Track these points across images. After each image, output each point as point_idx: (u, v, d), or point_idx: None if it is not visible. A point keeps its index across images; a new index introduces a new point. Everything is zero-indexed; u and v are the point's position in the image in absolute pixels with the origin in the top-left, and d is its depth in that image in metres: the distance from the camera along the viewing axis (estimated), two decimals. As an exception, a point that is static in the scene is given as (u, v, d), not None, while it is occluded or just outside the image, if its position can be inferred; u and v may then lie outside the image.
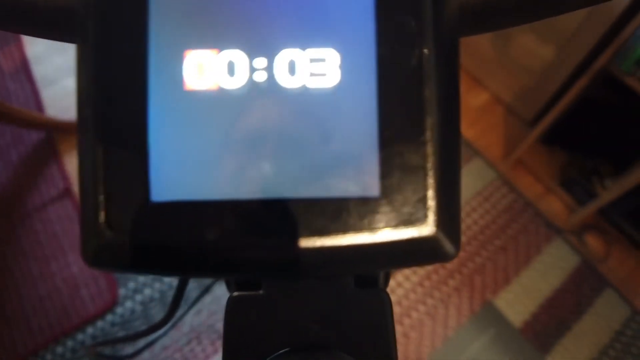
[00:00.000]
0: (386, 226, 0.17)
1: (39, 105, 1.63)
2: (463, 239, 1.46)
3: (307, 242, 0.16)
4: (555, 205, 1.54)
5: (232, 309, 0.25)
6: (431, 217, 0.17)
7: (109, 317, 1.29)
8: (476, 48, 1.66)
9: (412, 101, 0.17)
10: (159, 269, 0.17)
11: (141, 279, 1.34)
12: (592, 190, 1.42)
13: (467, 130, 1.68)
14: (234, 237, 0.17)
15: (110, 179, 0.17)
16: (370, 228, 0.17)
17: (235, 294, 0.25)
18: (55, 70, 1.70)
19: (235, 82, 0.17)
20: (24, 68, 1.71)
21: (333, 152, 0.16)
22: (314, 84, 0.17)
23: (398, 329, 1.31)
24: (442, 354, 1.29)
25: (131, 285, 1.33)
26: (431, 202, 0.17)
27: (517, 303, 1.38)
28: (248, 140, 0.17)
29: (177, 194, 0.16)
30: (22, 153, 1.53)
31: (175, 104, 0.16)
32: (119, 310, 1.30)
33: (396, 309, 1.34)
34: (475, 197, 1.54)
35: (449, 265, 1.41)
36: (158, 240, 0.17)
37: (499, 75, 1.66)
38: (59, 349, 1.24)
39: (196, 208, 0.17)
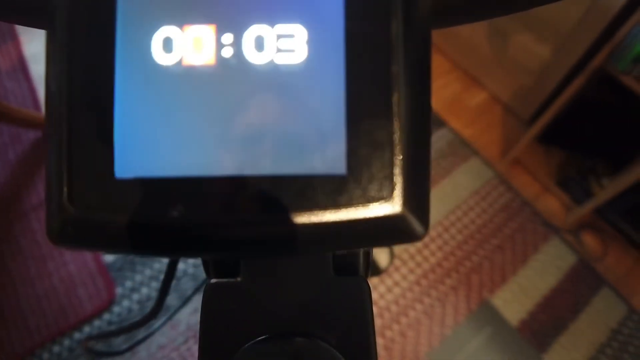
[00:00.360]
0: (352, 204, 0.16)
1: (36, 104, 1.63)
2: (460, 237, 1.46)
3: (272, 220, 0.16)
4: (552, 204, 1.54)
5: (210, 296, 0.25)
6: (398, 194, 0.16)
7: (106, 316, 1.29)
8: (474, 47, 1.67)
9: (379, 78, 0.16)
10: (124, 247, 0.17)
11: (138, 277, 1.34)
12: (589, 189, 1.43)
13: (465, 129, 1.68)
14: (197, 214, 0.16)
15: (74, 155, 0.16)
16: (337, 206, 0.16)
17: (213, 281, 0.25)
18: (52, 69, 1.70)
19: (202, 58, 0.16)
20: (21, 67, 1.71)
21: (300, 129, 0.16)
22: (282, 60, 0.17)
23: (395, 328, 1.31)
24: (439, 352, 1.29)
25: (128, 284, 1.33)
26: (398, 180, 0.16)
27: (514, 302, 1.38)
28: (214, 117, 0.16)
29: (141, 171, 0.16)
30: (20, 152, 1.53)
31: (141, 80, 0.16)
32: (116, 309, 1.30)
33: (393, 308, 1.34)
34: (473, 196, 1.54)
35: (446, 264, 1.41)
36: (122, 218, 0.16)
37: (496, 75, 1.66)
38: (56, 348, 1.24)
39: (160, 185, 0.16)
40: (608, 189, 1.31)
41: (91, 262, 1.35)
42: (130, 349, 0.45)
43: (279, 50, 0.17)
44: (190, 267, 1.37)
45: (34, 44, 1.77)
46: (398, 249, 1.42)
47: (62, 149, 0.17)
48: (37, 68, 1.71)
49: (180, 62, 0.17)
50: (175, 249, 0.18)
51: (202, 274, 1.36)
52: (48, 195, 0.17)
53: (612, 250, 1.48)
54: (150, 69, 0.16)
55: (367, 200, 0.16)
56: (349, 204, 0.16)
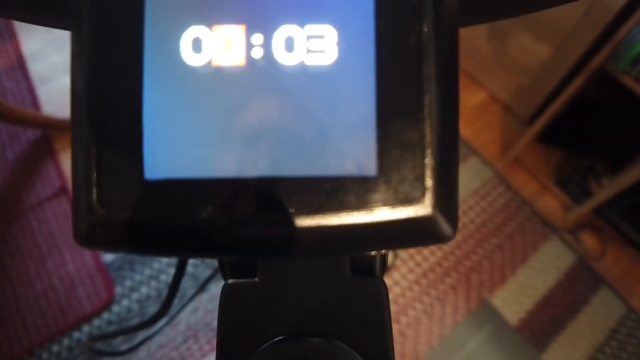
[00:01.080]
0: (383, 205, 0.16)
1: (35, 103, 1.62)
2: (459, 237, 1.47)
3: (303, 221, 0.16)
4: (551, 203, 1.55)
5: (227, 296, 0.25)
6: (428, 196, 0.16)
7: (106, 316, 1.28)
8: (474, 47, 1.67)
9: (410, 79, 0.16)
10: (153, 247, 0.17)
11: (137, 277, 1.34)
12: (588, 189, 1.43)
13: (464, 129, 1.68)
14: (228, 215, 0.16)
15: (103, 156, 0.16)
16: (367, 207, 0.16)
17: (231, 281, 0.25)
18: (51, 68, 1.70)
19: (232, 59, 0.16)
20: (20, 65, 1.70)
21: (330, 130, 0.16)
22: (312, 61, 0.17)
23: (395, 327, 1.32)
24: (438, 352, 1.29)
25: (128, 283, 1.33)
26: (429, 181, 0.16)
27: (514, 301, 1.38)
28: (244, 117, 0.16)
29: (171, 172, 0.16)
30: (18, 151, 1.52)
31: (170, 81, 0.16)
32: (115, 308, 1.30)
33: (393, 307, 1.34)
34: (472, 195, 1.55)
35: (446, 264, 1.42)
36: (152, 219, 0.16)
37: (496, 74, 1.66)
38: (55, 348, 1.23)
39: (191, 186, 0.16)
40: (607, 189, 1.31)
41: (90, 262, 1.34)
42: (132, 350, 0.45)
43: (309, 51, 0.17)
44: (190, 266, 1.37)
45: (32, 43, 1.76)
46: (397, 248, 1.42)
47: (91, 150, 0.16)
48: (36, 67, 1.70)
49: (209, 62, 0.16)
50: (204, 250, 0.18)
51: (203, 274, 1.37)
52: (76, 198, 0.17)
53: (611, 250, 1.48)
54: (179, 70, 0.16)
55: (398, 201, 0.16)
56: (379, 205, 0.16)
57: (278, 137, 0.16)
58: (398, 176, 0.16)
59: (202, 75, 0.16)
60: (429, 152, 0.16)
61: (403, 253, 1.42)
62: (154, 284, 1.34)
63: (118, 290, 1.32)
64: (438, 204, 0.16)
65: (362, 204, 0.16)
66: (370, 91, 0.16)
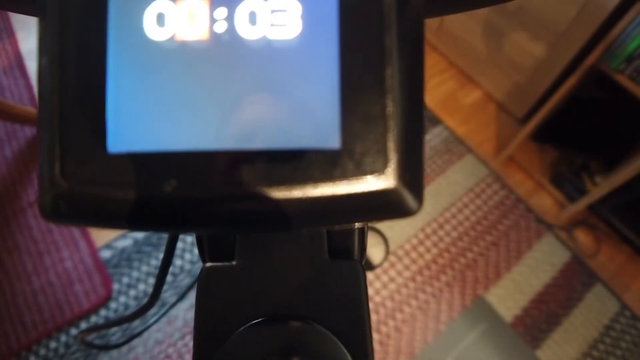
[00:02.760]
0: (346, 178, 0.16)
1: (33, 101, 1.63)
2: (454, 234, 1.47)
3: (266, 194, 0.16)
4: (546, 201, 1.56)
5: (205, 279, 0.25)
6: (391, 168, 0.16)
7: (103, 312, 1.29)
8: (469, 46, 1.67)
9: (372, 51, 0.16)
10: (115, 221, 0.17)
11: (135, 274, 1.35)
12: (582, 187, 1.44)
13: (460, 127, 1.69)
14: (190, 189, 0.16)
15: (66, 130, 0.16)
16: (331, 180, 0.16)
17: (208, 264, 0.25)
18: (49, 66, 1.69)
19: (195, 33, 0.16)
20: (18, 63, 1.71)
21: (294, 104, 0.16)
22: (275, 35, 0.16)
23: (390, 323, 1.32)
24: (434, 348, 1.30)
25: (125, 280, 1.34)
26: (392, 154, 0.16)
27: (508, 298, 1.39)
28: (206, 92, 0.16)
29: (134, 146, 0.16)
30: (16, 148, 1.53)
31: (134, 55, 0.16)
32: (112, 305, 1.30)
33: (388, 304, 1.35)
34: (467, 193, 1.55)
35: (441, 261, 1.42)
36: (114, 193, 0.16)
37: (491, 73, 1.67)
38: (53, 344, 1.24)
39: (153, 159, 0.16)
40: (601, 187, 1.32)
41: (88, 259, 1.35)
42: (126, 342, 0.45)
43: (272, 25, 0.16)
44: (187, 263, 1.37)
45: (30, 41, 1.76)
46: (393, 245, 1.43)
47: (54, 124, 0.16)
48: (34, 65, 1.70)
49: (172, 37, 0.16)
50: (167, 224, 0.18)
51: (198, 270, 1.37)
52: (40, 170, 0.17)
53: (604, 247, 1.49)
54: (143, 45, 0.16)
55: (361, 174, 0.16)
56: (343, 178, 0.16)
57: (241, 110, 0.16)
58: (361, 148, 0.16)
59: (165, 49, 0.16)
60: (391, 124, 0.16)
61: (399, 250, 1.42)
62: (151, 280, 1.34)
63: (115, 287, 1.32)
64: (401, 176, 0.16)
65: (326, 177, 0.16)
66: (333, 64, 0.16)
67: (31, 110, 1.51)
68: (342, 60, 0.16)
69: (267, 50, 0.17)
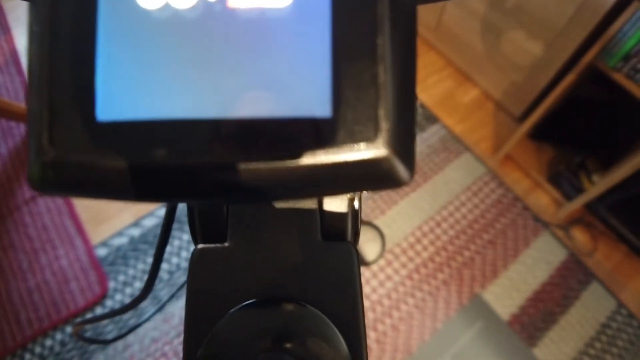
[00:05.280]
0: (337, 146, 0.16)
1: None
2: (452, 232, 1.47)
3: (256, 163, 0.16)
4: (543, 199, 1.56)
5: (197, 260, 0.25)
6: (382, 136, 0.16)
7: (99, 310, 1.28)
8: (467, 44, 1.67)
9: (365, 19, 0.16)
10: (104, 191, 0.17)
11: (131, 272, 1.34)
12: (579, 185, 1.44)
13: (457, 125, 1.69)
14: (179, 157, 0.16)
15: (55, 97, 0.16)
16: (321, 148, 0.16)
17: (200, 246, 0.25)
18: (45, 63, 1.69)
19: (187, 2, 0.16)
20: (14, 60, 1.70)
21: (285, 72, 0.16)
22: (267, 3, 0.16)
23: (387, 321, 1.32)
24: (430, 346, 1.30)
25: (121, 278, 1.33)
26: (382, 121, 0.16)
27: (505, 296, 1.39)
28: (197, 60, 0.16)
29: (123, 114, 0.16)
30: (11, 146, 1.52)
31: (124, 24, 0.16)
32: (108, 303, 1.30)
33: (385, 302, 1.35)
34: (465, 191, 1.55)
35: (438, 259, 1.42)
36: (104, 161, 0.16)
37: (488, 72, 1.67)
38: (48, 342, 1.23)
39: (143, 128, 0.16)
40: (598, 185, 1.32)
41: (84, 257, 1.34)
42: (122, 336, 0.45)
43: None
44: (183, 260, 1.37)
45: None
46: (390, 243, 1.43)
47: (43, 91, 0.16)
48: (30, 62, 1.70)
49: (164, 5, 0.16)
50: (156, 193, 0.17)
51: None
52: (29, 139, 0.16)
53: (601, 246, 1.49)
54: (134, 12, 0.16)
55: (352, 142, 0.16)
56: (333, 146, 0.16)
57: (232, 78, 0.16)
58: (352, 117, 0.16)
59: (156, 18, 0.16)
60: (382, 92, 0.16)
61: (396, 248, 1.42)
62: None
63: (111, 285, 1.32)
64: (393, 144, 0.16)
65: (316, 145, 0.16)
66: (325, 33, 0.16)
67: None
68: (333, 29, 0.16)
69: (259, 18, 0.16)
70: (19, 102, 1.55)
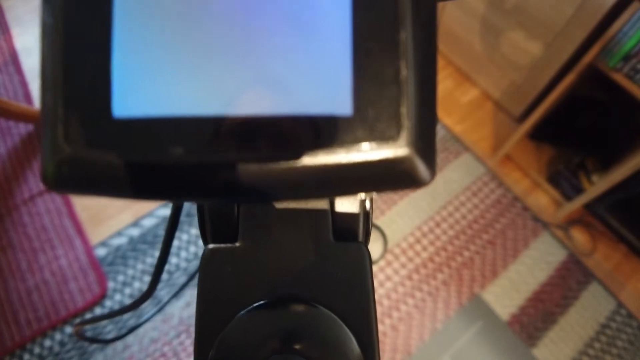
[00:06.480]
0: (358, 145, 0.16)
1: (28, 97, 1.62)
2: (451, 232, 1.47)
3: (275, 161, 0.16)
4: (542, 199, 1.56)
5: (208, 260, 0.24)
6: (405, 136, 0.16)
7: (98, 310, 1.28)
8: (466, 45, 1.67)
9: (386, 15, 0.16)
10: (120, 189, 0.16)
11: (130, 272, 1.34)
12: (578, 185, 1.44)
13: (457, 125, 1.69)
14: (197, 155, 0.16)
15: (70, 92, 0.16)
16: (342, 147, 0.16)
17: (211, 246, 0.25)
18: (44, 62, 1.69)
19: None
20: (13, 60, 1.70)
21: (304, 68, 0.16)
22: None
23: (387, 321, 1.32)
24: (430, 346, 1.30)
25: (120, 278, 1.33)
26: (404, 120, 0.16)
27: (505, 296, 1.39)
28: (217, 54, 0.16)
29: (140, 110, 0.16)
30: (10, 146, 1.52)
31: (141, 15, 0.16)
32: (107, 303, 1.29)
33: (385, 302, 1.35)
34: (464, 191, 1.55)
35: (438, 259, 1.42)
36: (119, 158, 0.16)
37: (488, 72, 1.67)
38: (47, 342, 1.23)
39: (160, 125, 0.16)
40: (598, 185, 1.32)
41: (83, 256, 1.34)
42: (120, 337, 0.45)
43: None
44: (182, 261, 1.37)
45: (26, 37, 1.75)
46: (390, 243, 1.43)
47: (58, 87, 0.16)
48: (29, 61, 1.70)
49: None
50: (173, 192, 0.17)
51: (195, 268, 1.36)
52: (43, 135, 0.16)
53: (601, 246, 1.49)
54: (151, 3, 0.16)
55: (374, 141, 0.16)
56: (354, 145, 0.16)
57: (251, 75, 0.16)
58: (374, 115, 0.16)
59: (174, 9, 0.16)
60: (404, 89, 0.16)
61: (395, 248, 1.42)
62: (146, 279, 1.34)
63: (110, 285, 1.32)
64: (415, 143, 0.16)
65: (337, 144, 0.16)
66: (345, 27, 0.16)
67: (26, 107, 1.51)
68: (354, 24, 0.16)
69: (279, 12, 0.16)
70: (18, 102, 1.55)
